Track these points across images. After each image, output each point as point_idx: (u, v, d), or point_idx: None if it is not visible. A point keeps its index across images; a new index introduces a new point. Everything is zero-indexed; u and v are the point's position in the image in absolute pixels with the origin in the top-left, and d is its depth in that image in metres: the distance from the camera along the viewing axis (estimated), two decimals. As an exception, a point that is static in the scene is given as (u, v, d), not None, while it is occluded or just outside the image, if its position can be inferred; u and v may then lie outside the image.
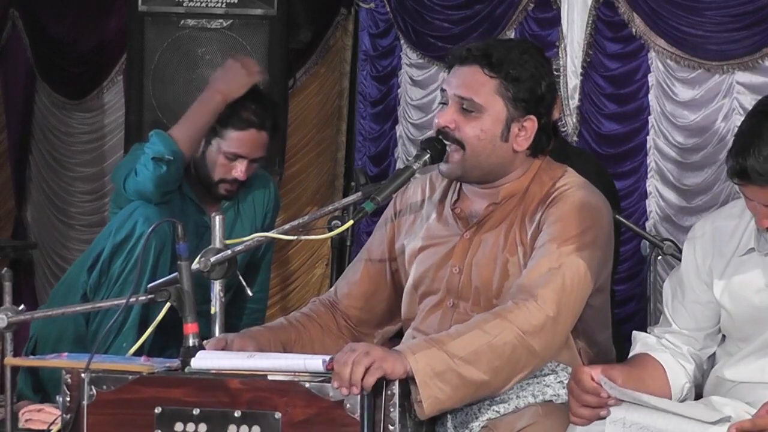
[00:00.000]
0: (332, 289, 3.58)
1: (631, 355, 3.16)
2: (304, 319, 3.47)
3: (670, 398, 3.07)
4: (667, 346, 3.15)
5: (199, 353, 3.01)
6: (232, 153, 4.38)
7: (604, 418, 2.87)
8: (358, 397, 2.78)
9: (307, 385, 2.81)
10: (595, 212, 3.27)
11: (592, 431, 2.91)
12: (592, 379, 2.87)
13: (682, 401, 3.10)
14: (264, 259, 4.62)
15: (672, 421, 2.86)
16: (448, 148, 3.29)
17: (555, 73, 5.30)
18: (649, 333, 3.22)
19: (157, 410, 2.88)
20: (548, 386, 3.16)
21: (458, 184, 3.43)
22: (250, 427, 2.83)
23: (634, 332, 3.21)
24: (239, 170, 4.38)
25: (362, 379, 2.82)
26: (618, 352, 3.49)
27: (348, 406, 2.79)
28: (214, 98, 4.40)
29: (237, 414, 2.84)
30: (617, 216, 4.33)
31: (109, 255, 4.31)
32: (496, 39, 3.43)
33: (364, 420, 2.78)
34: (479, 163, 3.30)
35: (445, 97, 3.32)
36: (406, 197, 3.52)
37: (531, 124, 3.32)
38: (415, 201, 3.50)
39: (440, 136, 3.29)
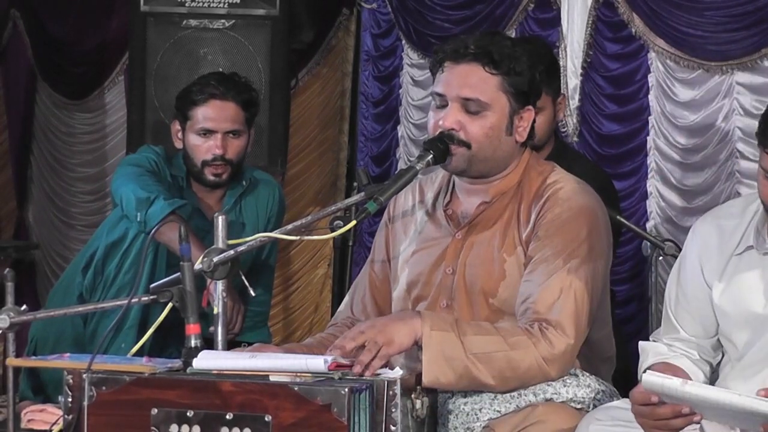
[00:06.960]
0: (346, 310, 3.55)
1: (647, 365, 3.14)
2: (331, 338, 3.39)
3: None
4: (679, 353, 3.16)
5: (201, 353, 3.01)
6: (202, 129, 4.33)
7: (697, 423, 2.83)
8: (346, 400, 2.79)
9: (296, 388, 2.81)
10: (591, 215, 3.28)
11: None
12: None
13: None
14: (267, 263, 4.59)
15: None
16: (452, 147, 3.27)
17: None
18: (656, 341, 3.21)
19: (154, 412, 2.88)
20: (549, 385, 3.16)
21: (450, 186, 3.43)
22: (241, 430, 2.83)
23: (642, 343, 3.21)
24: (215, 145, 4.31)
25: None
26: (619, 353, 3.49)
27: (335, 409, 2.79)
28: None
29: (229, 416, 2.84)
30: (618, 217, 4.34)
31: (102, 255, 4.29)
32: (486, 33, 3.40)
33: (352, 424, 2.79)
34: (486, 159, 3.30)
35: (443, 99, 3.29)
36: (399, 203, 3.52)
37: (529, 114, 3.34)
38: (406, 207, 3.50)
39: (444, 138, 3.27)
